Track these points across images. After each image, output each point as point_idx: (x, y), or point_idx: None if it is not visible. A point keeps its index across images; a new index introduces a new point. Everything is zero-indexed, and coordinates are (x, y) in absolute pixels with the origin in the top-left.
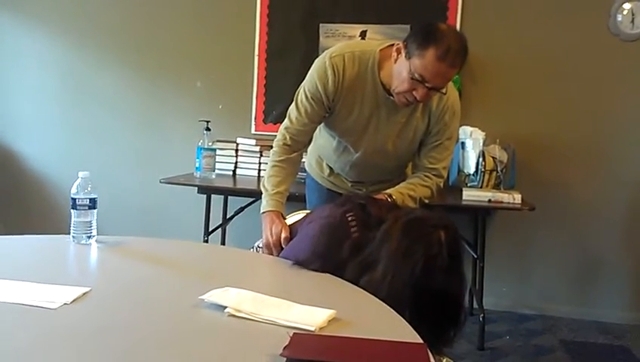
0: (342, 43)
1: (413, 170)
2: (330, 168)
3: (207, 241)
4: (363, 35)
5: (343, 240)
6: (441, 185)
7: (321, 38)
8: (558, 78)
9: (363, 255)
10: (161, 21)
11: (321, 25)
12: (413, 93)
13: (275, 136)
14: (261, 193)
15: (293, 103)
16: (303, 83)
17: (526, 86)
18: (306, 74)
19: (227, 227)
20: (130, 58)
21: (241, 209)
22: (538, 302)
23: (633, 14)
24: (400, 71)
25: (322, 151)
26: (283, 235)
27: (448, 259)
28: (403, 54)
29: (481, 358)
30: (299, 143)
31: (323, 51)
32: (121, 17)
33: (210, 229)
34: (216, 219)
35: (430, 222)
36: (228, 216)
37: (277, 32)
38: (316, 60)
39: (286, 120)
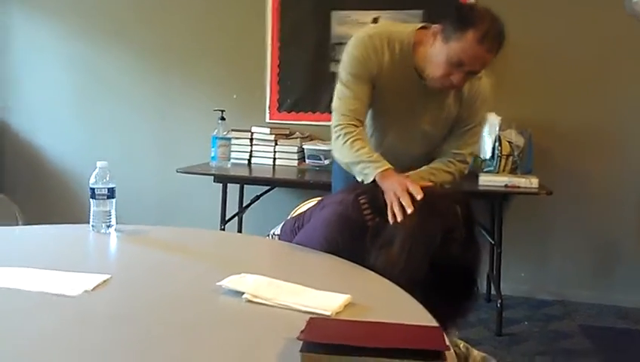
0: (377, 24)
1: (438, 156)
2: None
3: (223, 230)
4: (375, 21)
5: (358, 228)
6: (465, 171)
7: (333, 25)
8: (574, 61)
9: (381, 238)
10: (175, 12)
11: (332, 12)
12: (451, 78)
13: (290, 124)
14: (274, 183)
15: (339, 85)
16: (341, 66)
17: (542, 70)
18: (319, 61)
19: (244, 215)
20: (144, 50)
21: (257, 197)
22: (556, 287)
23: None
24: (436, 55)
25: None
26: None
27: (465, 232)
28: (440, 38)
29: (499, 344)
30: (359, 121)
31: (335, 38)
32: (135, 10)
33: (226, 218)
34: (232, 208)
35: (446, 198)
36: (244, 205)
37: (289, 21)
38: (351, 41)
39: (335, 101)
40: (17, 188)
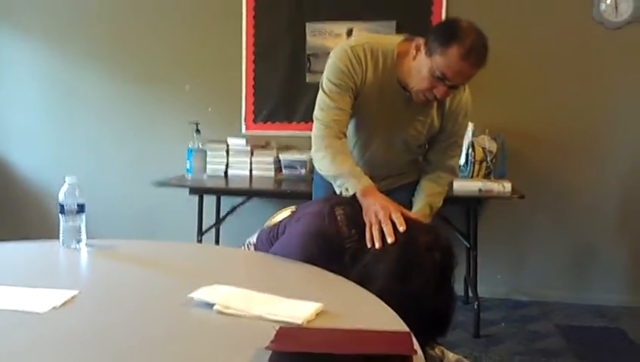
0: (359, 35)
1: (424, 165)
2: None
3: (200, 242)
4: (349, 33)
5: (335, 243)
6: (450, 181)
7: (307, 37)
8: (544, 67)
9: (358, 267)
10: (148, 26)
11: (307, 24)
12: (434, 91)
13: (266, 135)
14: (251, 193)
15: (322, 95)
16: (324, 75)
17: (513, 76)
18: (294, 72)
19: (221, 227)
20: (117, 64)
21: (234, 208)
22: (533, 288)
23: (616, 2)
24: (420, 68)
25: None
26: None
27: (440, 282)
28: (423, 51)
29: (476, 346)
30: (341, 132)
31: (310, 49)
32: (108, 23)
33: (203, 230)
34: (209, 220)
35: (426, 245)
36: (221, 216)
37: (263, 33)
38: (334, 51)
39: (317, 111)
40: None
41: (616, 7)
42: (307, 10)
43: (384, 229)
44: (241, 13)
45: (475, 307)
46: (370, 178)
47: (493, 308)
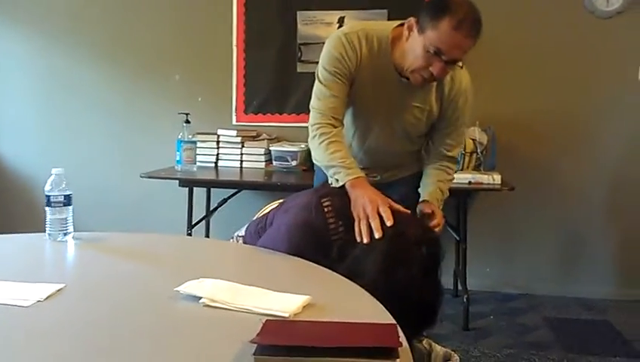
0: (353, 23)
1: (426, 156)
2: None
3: (190, 234)
4: (341, 21)
5: (322, 236)
6: (454, 170)
7: (299, 26)
8: (535, 57)
9: (346, 262)
10: (137, 15)
11: (298, 12)
12: (430, 69)
13: (257, 126)
14: (241, 185)
15: (318, 83)
16: (320, 64)
17: (504, 66)
18: (285, 62)
19: (211, 219)
20: (107, 54)
21: (224, 200)
22: (522, 281)
23: None
24: (413, 48)
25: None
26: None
27: (428, 275)
28: (415, 30)
29: (465, 338)
30: (337, 120)
31: (301, 39)
32: (97, 13)
33: (193, 222)
34: (200, 212)
35: (414, 238)
36: (211, 208)
37: (254, 22)
38: (329, 39)
39: (313, 100)
40: None
41: None
42: None
43: (371, 224)
44: (232, 2)
45: (465, 300)
46: (372, 169)
47: (482, 301)
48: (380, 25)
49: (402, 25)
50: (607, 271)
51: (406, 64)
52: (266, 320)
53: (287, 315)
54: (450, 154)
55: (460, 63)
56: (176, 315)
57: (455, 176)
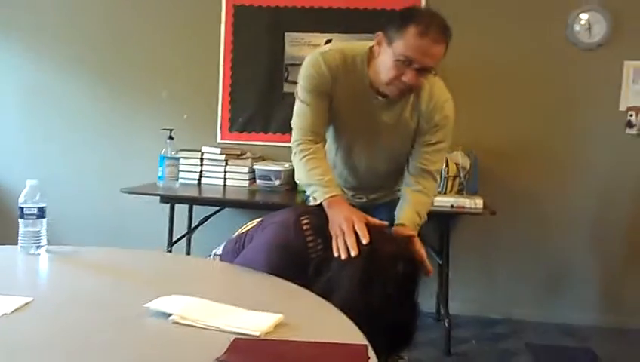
0: (332, 44)
1: (406, 175)
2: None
3: (170, 251)
4: (328, 43)
5: (299, 254)
6: (437, 190)
7: (286, 47)
8: (518, 85)
9: (322, 279)
10: (124, 30)
11: (286, 33)
12: (402, 78)
13: (241, 144)
14: (223, 203)
15: (297, 102)
16: (298, 84)
17: (487, 93)
18: (272, 81)
19: (193, 237)
20: (92, 68)
21: (206, 218)
22: (504, 306)
23: (590, 24)
24: (385, 60)
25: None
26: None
27: (403, 293)
28: (385, 43)
29: None
30: (317, 135)
31: (289, 59)
32: (83, 28)
33: (174, 239)
34: (181, 229)
35: (389, 255)
36: (193, 226)
37: (242, 41)
38: (305, 60)
39: (294, 118)
40: None
41: (590, 29)
42: (286, 19)
43: (347, 242)
44: (220, 21)
45: (446, 324)
46: (360, 190)
47: (465, 326)
48: (357, 45)
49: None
50: (589, 297)
51: (380, 78)
52: (235, 339)
53: (257, 334)
54: (427, 168)
55: (434, 72)
56: (144, 331)
57: (437, 199)
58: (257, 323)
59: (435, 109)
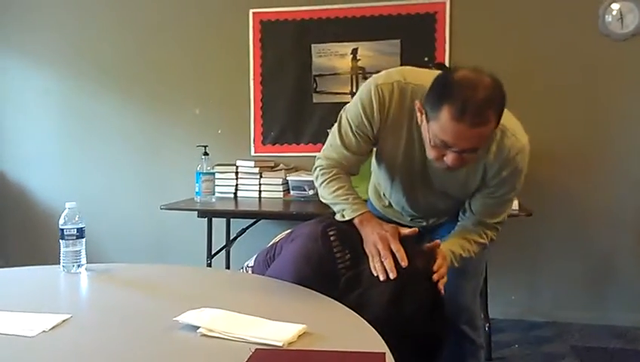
0: (396, 68)
1: (467, 211)
2: (388, 200)
3: (210, 265)
4: (354, 52)
5: (327, 264)
6: (495, 238)
7: (313, 58)
8: (551, 81)
9: (354, 294)
10: (157, 51)
11: (312, 45)
12: (444, 159)
13: (274, 156)
14: (259, 215)
15: (336, 130)
16: (346, 107)
17: (521, 91)
18: (301, 93)
19: (231, 249)
20: (127, 90)
21: (243, 230)
22: (548, 308)
23: (622, 14)
24: (425, 136)
25: (378, 179)
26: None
27: (434, 307)
28: (424, 118)
29: None
30: (341, 166)
31: (316, 70)
32: (118, 50)
33: (212, 252)
34: (220, 242)
35: (421, 271)
36: (231, 238)
37: (270, 55)
38: (363, 85)
39: (327, 147)
40: (10, 233)
41: (622, 19)
42: (312, 31)
43: (385, 264)
44: (248, 37)
45: (487, 329)
46: (419, 217)
47: (506, 330)
48: (422, 75)
49: (442, 68)
50: (636, 297)
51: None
52: (256, 349)
53: (280, 344)
54: (485, 220)
55: (488, 149)
56: (174, 344)
57: None
58: (281, 333)
59: (505, 165)
